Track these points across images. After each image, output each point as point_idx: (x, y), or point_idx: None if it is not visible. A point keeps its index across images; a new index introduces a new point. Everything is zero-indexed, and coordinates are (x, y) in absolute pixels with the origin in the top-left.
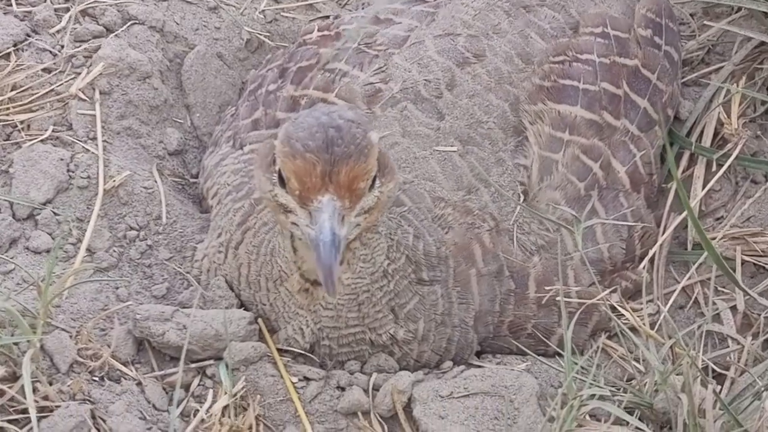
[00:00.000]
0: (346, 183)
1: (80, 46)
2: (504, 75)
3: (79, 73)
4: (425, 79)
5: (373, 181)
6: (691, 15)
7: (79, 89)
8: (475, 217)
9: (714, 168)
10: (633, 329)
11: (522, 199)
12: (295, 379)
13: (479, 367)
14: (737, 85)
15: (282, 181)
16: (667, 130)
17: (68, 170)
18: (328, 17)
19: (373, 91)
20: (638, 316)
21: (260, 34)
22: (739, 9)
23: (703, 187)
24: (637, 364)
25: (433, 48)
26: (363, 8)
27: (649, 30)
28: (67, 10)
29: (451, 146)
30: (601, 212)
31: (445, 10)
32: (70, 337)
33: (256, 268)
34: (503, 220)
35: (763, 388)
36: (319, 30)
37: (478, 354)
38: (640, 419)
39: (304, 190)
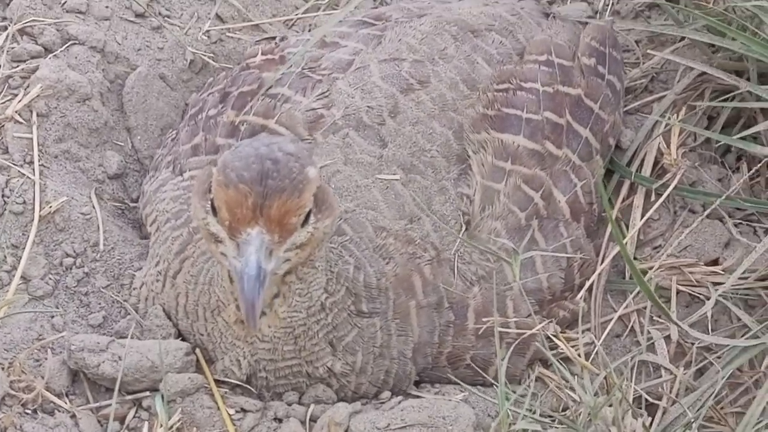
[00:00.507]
0: (277, 217)
1: (17, 66)
2: (448, 102)
3: (16, 95)
4: (368, 106)
5: (308, 216)
6: (637, 42)
7: (16, 111)
8: (416, 247)
9: (653, 197)
10: (568, 359)
11: (464, 228)
12: (232, 411)
13: (417, 397)
14: (677, 116)
15: (214, 210)
16: (608, 159)
17: (3, 195)
18: (273, 38)
19: (315, 117)
20: (573, 346)
21: (204, 55)
22: (683, 38)
23: (642, 216)
24: (572, 393)
25: (377, 73)
26: (310, 30)
27: (593, 59)
28: (5, 29)
29: (394, 174)
30: (541, 242)
31: (391, 33)
32: (2, 369)
33: (194, 298)
34: (444, 250)
35: (693, 419)
36: (262, 53)
37: (417, 383)
38: None
39: (234, 221)
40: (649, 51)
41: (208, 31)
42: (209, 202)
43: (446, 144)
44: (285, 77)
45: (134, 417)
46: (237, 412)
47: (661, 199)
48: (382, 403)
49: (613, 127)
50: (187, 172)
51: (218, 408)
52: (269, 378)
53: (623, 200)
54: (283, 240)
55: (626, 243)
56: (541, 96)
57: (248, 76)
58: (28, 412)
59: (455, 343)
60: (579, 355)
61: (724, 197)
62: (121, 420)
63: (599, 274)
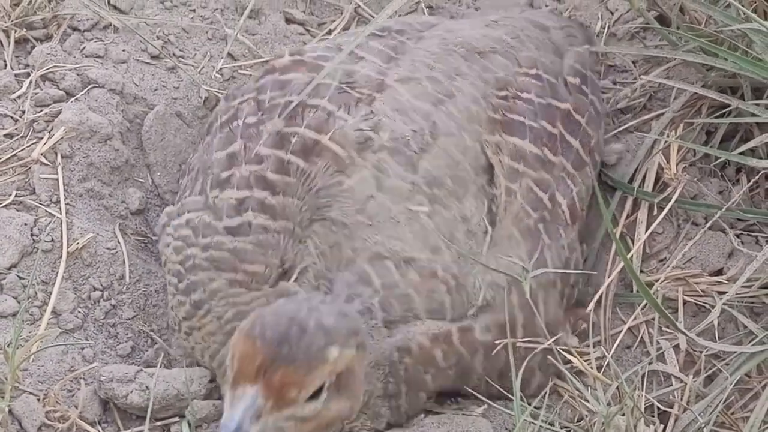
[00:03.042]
0: (276, 385)
1: (41, 110)
2: (473, 115)
3: (41, 138)
4: (412, 129)
5: (319, 391)
6: (633, 63)
7: (41, 154)
8: (438, 282)
9: (656, 212)
10: (581, 372)
11: (490, 229)
12: None
13: (437, 413)
14: (676, 132)
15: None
16: (596, 173)
17: (32, 234)
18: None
19: (364, 138)
20: (585, 359)
21: (218, 92)
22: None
23: (646, 230)
24: (586, 404)
25: (406, 93)
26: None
27: (577, 78)
28: (28, 75)
29: (421, 206)
30: (547, 244)
31: (403, 54)
32: (38, 400)
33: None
34: (464, 275)
35: (704, 425)
36: (290, 54)
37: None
38: None
39: (239, 374)
40: (642, 76)
41: (221, 69)
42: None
43: (476, 157)
44: (322, 89)
45: None
46: None
47: (664, 212)
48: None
49: (598, 144)
50: (185, 214)
51: None
52: None
53: (627, 216)
54: (276, 408)
55: (632, 257)
56: (536, 106)
57: (274, 82)
58: None
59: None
60: (591, 367)
61: (724, 209)
62: None
63: (608, 287)
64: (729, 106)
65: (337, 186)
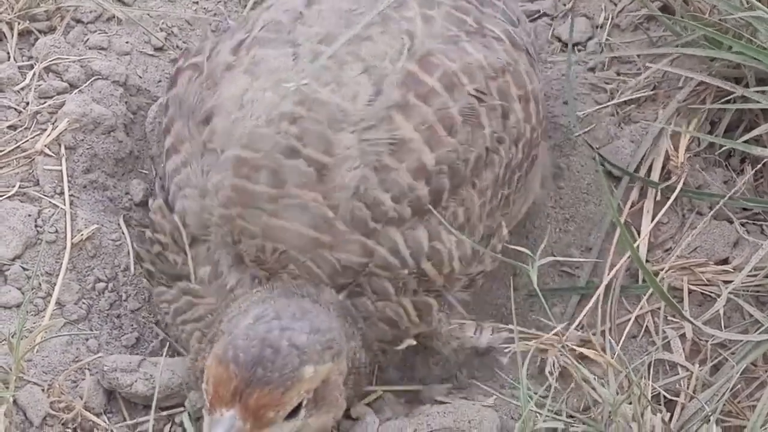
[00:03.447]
0: (253, 408)
1: (45, 102)
2: None
3: (45, 130)
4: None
5: (297, 408)
6: (638, 55)
7: (45, 145)
8: None
9: (659, 197)
10: (587, 359)
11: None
12: None
13: (443, 403)
14: (687, 124)
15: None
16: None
17: (36, 226)
18: None
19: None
20: (591, 348)
21: None
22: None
23: (652, 220)
24: (592, 393)
25: None
26: None
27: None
28: (31, 67)
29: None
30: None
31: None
32: (43, 390)
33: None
34: None
35: (710, 413)
36: None
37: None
38: None
39: (215, 399)
40: (648, 64)
41: None
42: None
43: None
44: None
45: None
46: None
47: (670, 201)
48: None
49: None
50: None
51: None
52: None
53: (632, 206)
54: (256, 429)
55: (638, 246)
56: None
57: None
58: (69, 431)
59: None
60: (600, 355)
61: (727, 197)
62: None
63: (614, 277)
64: (733, 98)
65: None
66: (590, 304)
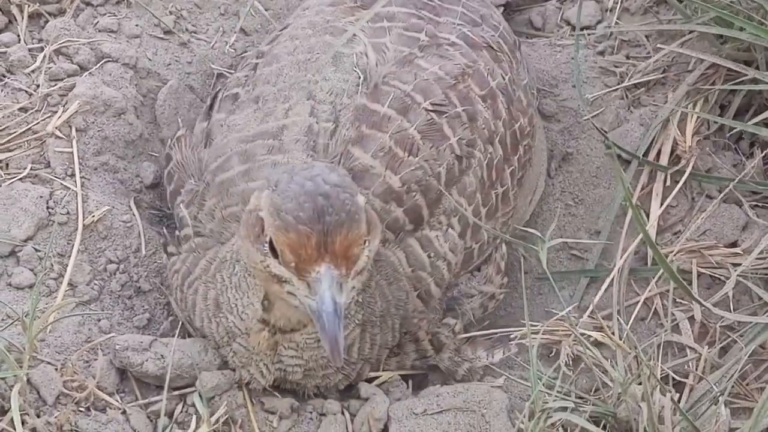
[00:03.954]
0: (342, 251)
1: (55, 85)
2: None
3: (55, 112)
4: None
5: (364, 242)
6: (647, 37)
7: (56, 127)
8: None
9: (669, 182)
10: (596, 341)
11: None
12: (268, 412)
13: (452, 384)
14: (695, 105)
15: (274, 252)
16: None
17: (48, 207)
18: None
19: None
20: (599, 330)
21: (229, 72)
22: (692, 31)
23: (661, 204)
24: (602, 375)
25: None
26: None
27: None
28: (41, 49)
29: None
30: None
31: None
32: (56, 369)
33: (206, 323)
34: None
35: (719, 394)
36: None
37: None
38: (604, 428)
39: (301, 262)
40: (659, 45)
41: (233, 44)
42: (266, 245)
43: None
44: None
45: (182, 412)
46: (273, 413)
47: (680, 185)
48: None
49: None
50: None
51: (252, 406)
52: (296, 380)
53: (642, 189)
54: (350, 271)
55: (647, 229)
56: None
57: None
58: (82, 410)
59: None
60: (610, 337)
61: (737, 180)
62: (170, 415)
63: (624, 261)
64: (743, 81)
65: None
66: (603, 287)
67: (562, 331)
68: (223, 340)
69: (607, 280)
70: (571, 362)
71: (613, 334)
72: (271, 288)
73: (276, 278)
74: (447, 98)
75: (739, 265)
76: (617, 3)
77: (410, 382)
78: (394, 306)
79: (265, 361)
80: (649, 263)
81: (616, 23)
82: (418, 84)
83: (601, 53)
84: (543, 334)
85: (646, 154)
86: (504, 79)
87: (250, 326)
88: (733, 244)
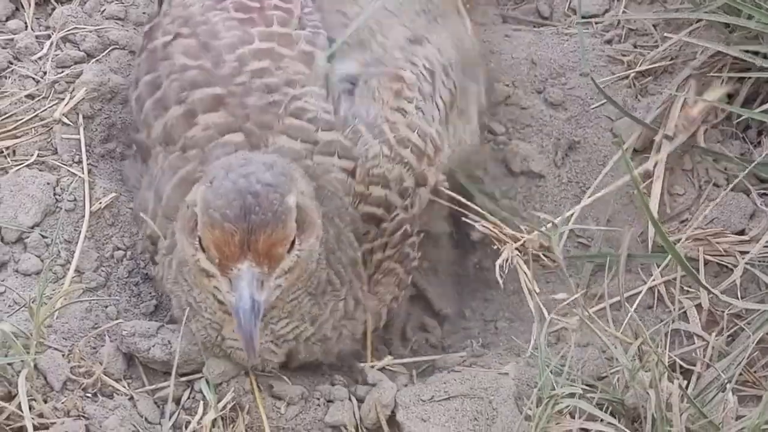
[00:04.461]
0: (264, 250)
1: (62, 72)
2: None
3: (62, 99)
4: None
5: (293, 242)
6: (654, 26)
7: (63, 114)
8: None
9: (676, 168)
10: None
11: None
12: (276, 398)
13: (459, 371)
14: (701, 93)
15: (203, 248)
16: None
17: (55, 194)
18: None
19: None
20: (603, 316)
21: None
22: (699, 20)
23: (665, 191)
24: (609, 361)
25: None
26: None
27: None
28: (48, 37)
29: None
30: None
31: None
32: (63, 355)
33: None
34: None
35: (726, 381)
36: None
37: None
38: (612, 414)
39: (224, 259)
40: (666, 34)
41: None
42: (197, 240)
43: None
44: None
45: (189, 398)
46: (280, 399)
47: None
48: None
49: None
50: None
51: (259, 392)
52: (304, 350)
53: (648, 177)
54: (272, 270)
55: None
56: None
57: None
58: (89, 395)
59: None
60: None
61: (756, 163)
62: (177, 401)
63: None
64: (750, 70)
65: None
66: (609, 275)
67: (569, 318)
68: (216, 339)
69: (617, 267)
70: (576, 347)
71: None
72: (201, 281)
73: (205, 272)
74: None
75: (747, 253)
76: None
77: (414, 372)
78: (337, 218)
79: (265, 338)
80: (650, 249)
81: (624, 12)
82: None
83: (609, 42)
84: (550, 321)
85: (652, 139)
86: None
87: (221, 317)
88: (741, 233)
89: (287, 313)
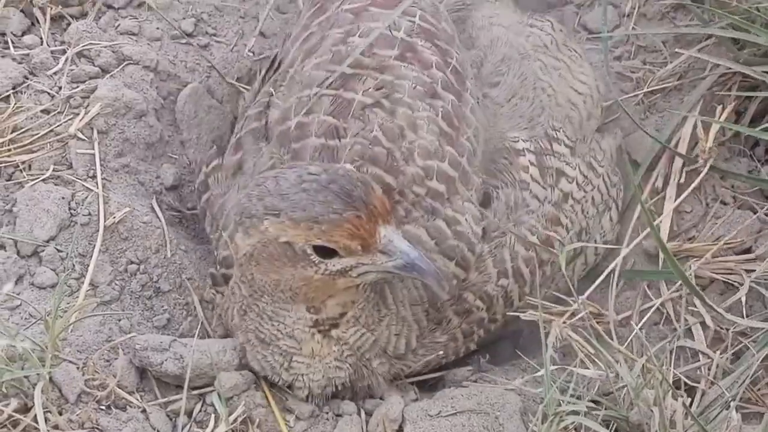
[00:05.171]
0: (384, 209)
1: (77, 87)
2: None
3: (77, 114)
4: None
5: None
6: (663, 43)
7: (78, 129)
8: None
9: (684, 186)
10: (605, 343)
11: None
12: (287, 412)
13: (466, 387)
14: (713, 114)
15: (327, 254)
16: None
17: (70, 208)
18: None
19: None
20: (599, 322)
21: (240, 86)
22: (709, 37)
23: (675, 209)
24: (613, 375)
25: None
26: None
27: None
28: (64, 52)
29: None
30: None
31: None
32: (78, 368)
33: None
34: None
35: (730, 399)
36: None
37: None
38: (616, 431)
39: (365, 240)
40: (676, 50)
41: (252, 47)
42: (313, 256)
43: None
44: None
45: (200, 411)
46: (290, 413)
47: (695, 183)
48: (434, 393)
49: None
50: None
51: (271, 405)
52: (368, 358)
53: (658, 193)
54: (395, 222)
55: (659, 229)
56: None
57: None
58: (103, 408)
59: None
60: (613, 336)
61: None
62: (189, 414)
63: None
64: (758, 87)
65: None
66: (615, 291)
67: (575, 334)
68: (283, 366)
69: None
70: (581, 364)
71: (619, 337)
72: (334, 287)
73: (340, 273)
74: None
75: (753, 271)
76: (634, 8)
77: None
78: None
79: (332, 355)
80: (660, 266)
81: (633, 28)
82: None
83: (618, 58)
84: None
85: (659, 156)
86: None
87: (303, 337)
88: (747, 251)
89: (354, 320)
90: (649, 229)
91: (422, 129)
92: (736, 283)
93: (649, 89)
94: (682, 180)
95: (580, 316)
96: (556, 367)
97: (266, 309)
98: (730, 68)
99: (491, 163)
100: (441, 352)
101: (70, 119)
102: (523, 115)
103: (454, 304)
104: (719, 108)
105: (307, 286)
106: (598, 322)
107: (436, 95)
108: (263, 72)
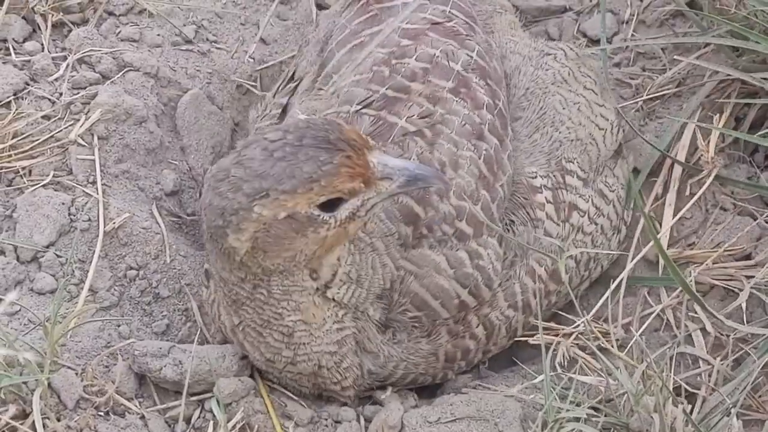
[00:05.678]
0: (362, 138)
1: (78, 93)
2: None
3: (78, 120)
4: None
5: None
6: (662, 50)
7: (78, 135)
8: None
9: (688, 192)
10: (607, 352)
11: None
12: (285, 418)
13: (465, 393)
14: (720, 119)
15: (331, 207)
16: None
17: (69, 214)
18: None
19: None
20: (607, 340)
21: (246, 83)
22: (708, 44)
23: (674, 215)
24: (614, 382)
25: None
26: None
27: None
28: (65, 58)
29: None
30: None
31: None
32: (76, 374)
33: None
34: None
35: (731, 406)
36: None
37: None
38: None
39: (365, 176)
40: (675, 57)
41: (253, 53)
42: (319, 216)
43: None
44: None
45: (199, 417)
46: (290, 419)
47: (699, 194)
48: (433, 399)
49: None
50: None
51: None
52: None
53: (657, 199)
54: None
55: (659, 239)
56: None
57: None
58: (101, 414)
59: None
60: (612, 347)
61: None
62: (187, 420)
63: (631, 269)
64: (757, 94)
65: None
66: (615, 299)
67: (575, 341)
68: (284, 343)
69: (620, 291)
70: (581, 371)
71: (624, 344)
72: (350, 229)
73: (348, 220)
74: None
75: (753, 277)
76: (633, 15)
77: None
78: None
79: (331, 319)
80: (660, 272)
81: (632, 35)
82: None
83: (617, 65)
84: (556, 344)
85: (661, 164)
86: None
87: (307, 306)
88: (747, 257)
89: (345, 277)
90: (653, 242)
91: (462, 168)
92: (736, 290)
93: (648, 96)
94: (686, 191)
95: (585, 333)
96: (555, 373)
97: (274, 292)
98: (729, 75)
99: (509, 199)
100: (420, 360)
101: (70, 125)
102: (542, 151)
103: (453, 321)
104: (718, 115)
105: (322, 247)
106: (601, 333)
107: (482, 137)
108: (278, 84)
